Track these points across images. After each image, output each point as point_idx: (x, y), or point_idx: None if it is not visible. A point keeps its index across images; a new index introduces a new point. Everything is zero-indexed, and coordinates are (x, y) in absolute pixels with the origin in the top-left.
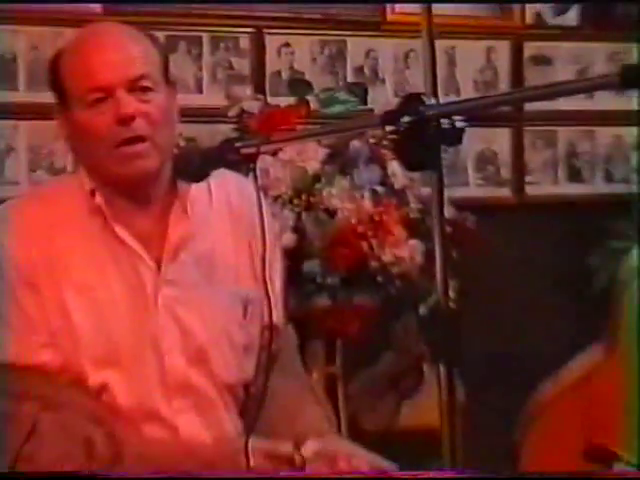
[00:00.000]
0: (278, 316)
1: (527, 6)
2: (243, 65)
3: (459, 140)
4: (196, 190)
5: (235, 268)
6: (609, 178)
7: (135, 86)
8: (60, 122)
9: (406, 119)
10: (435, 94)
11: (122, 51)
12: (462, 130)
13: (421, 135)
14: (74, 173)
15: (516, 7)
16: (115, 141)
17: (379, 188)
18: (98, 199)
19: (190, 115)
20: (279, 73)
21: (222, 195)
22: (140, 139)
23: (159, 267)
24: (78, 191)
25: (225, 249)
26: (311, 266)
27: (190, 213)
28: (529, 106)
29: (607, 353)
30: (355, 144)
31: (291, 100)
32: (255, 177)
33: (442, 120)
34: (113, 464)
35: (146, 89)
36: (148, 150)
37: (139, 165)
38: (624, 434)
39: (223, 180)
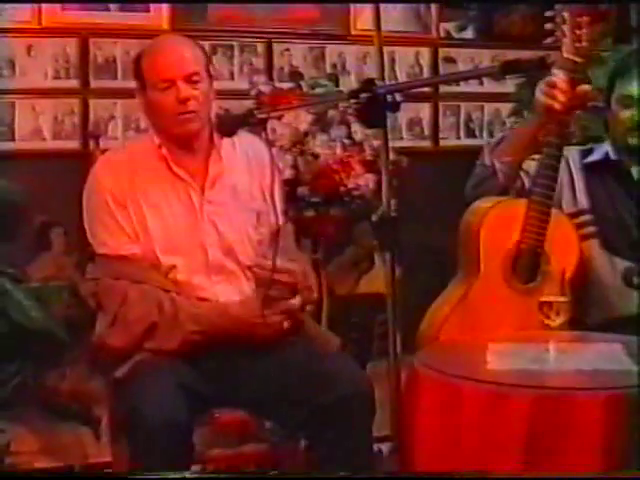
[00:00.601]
0: (280, 220)
1: (440, 24)
2: (259, 62)
3: (398, 109)
4: (226, 143)
5: (250, 193)
6: (491, 135)
7: (189, 79)
8: (140, 100)
9: (364, 95)
10: (382, 79)
11: (180, 55)
12: (399, 103)
13: (373, 106)
14: (147, 133)
15: (433, 26)
16: (175, 113)
17: (346, 140)
18: (164, 150)
19: (226, 94)
20: (282, 68)
21: (243, 148)
22: (190, 112)
23: (203, 192)
24: (150, 144)
25: (244, 181)
26: (303, 190)
27: (223, 158)
28: (442, 88)
29: (472, 277)
30: (331, 112)
31: (290, 85)
32: (266, 133)
33: (387, 96)
34: (174, 318)
35: (196, 81)
36: (195, 118)
37: (189, 127)
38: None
39: (244, 138)
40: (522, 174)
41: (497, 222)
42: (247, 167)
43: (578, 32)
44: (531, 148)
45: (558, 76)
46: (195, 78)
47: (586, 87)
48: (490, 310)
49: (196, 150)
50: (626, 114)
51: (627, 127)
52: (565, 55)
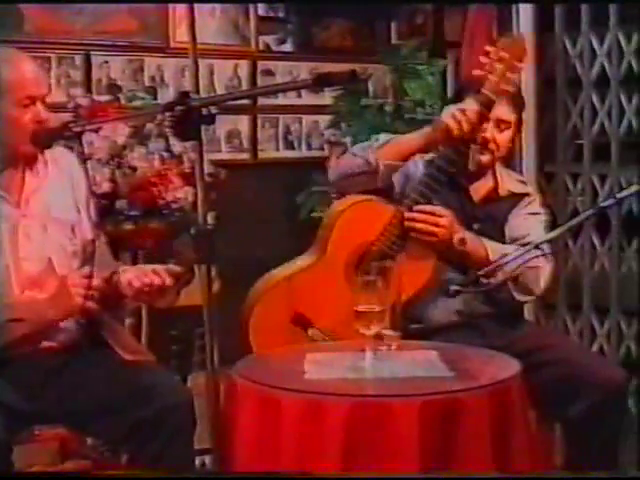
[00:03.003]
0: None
1: (259, 37)
2: (77, 75)
3: (213, 121)
4: (42, 160)
5: (64, 206)
6: (310, 147)
7: (44, 100)
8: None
9: (178, 108)
10: (198, 92)
11: (39, 74)
12: (214, 115)
13: (188, 118)
14: None
15: (252, 39)
16: (30, 132)
17: (164, 153)
18: None
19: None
20: (100, 80)
21: (56, 164)
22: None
23: (19, 206)
24: None
25: (57, 195)
26: (121, 204)
27: (38, 174)
28: (260, 101)
29: (317, 257)
30: (149, 125)
31: (108, 97)
32: (82, 146)
33: (202, 109)
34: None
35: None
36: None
37: (34, 146)
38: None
39: (58, 154)
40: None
41: (358, 216)
42: (60, 180)
43: (509, 75)
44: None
45: (472, 106)
46: (47, 100)
47: (492, 133)
48: (317, 293)
49: (14, 165)
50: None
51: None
52: (484, 90)
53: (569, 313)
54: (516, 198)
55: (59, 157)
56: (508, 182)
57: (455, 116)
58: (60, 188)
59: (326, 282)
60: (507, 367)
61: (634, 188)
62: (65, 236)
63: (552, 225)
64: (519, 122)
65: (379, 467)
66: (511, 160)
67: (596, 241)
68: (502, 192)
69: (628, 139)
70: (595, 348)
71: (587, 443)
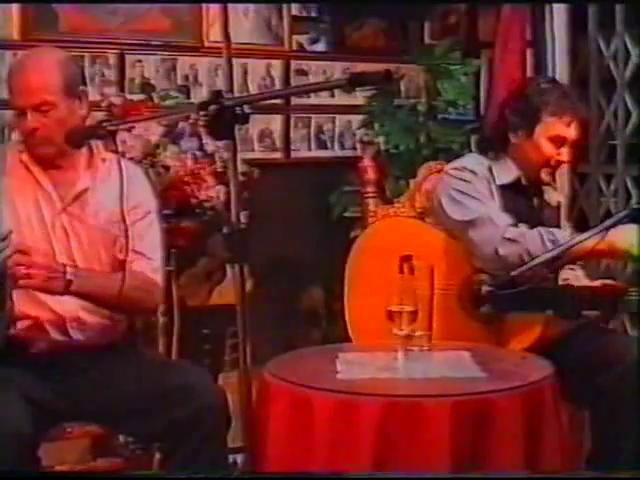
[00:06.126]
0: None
1: (293, 37)
2: (111, 74)
3: (246, 121)
4: (108, 164)
5: (110, 214)
6: (342, 147)
7: (37, 108)
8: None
9: (212, 107)
10: (231, 91)
11: (28, 83)
12: (248, 114)
13: (221, 118)
14: (14, 142)
15: (286, 38)
16: (29, 139)
17: (197, 152)
18: (24, 157)
19: None
20: (134, 79)
21: (105, 168)
22: (41, 140)
23: (62, 201)
24: (15, 152)
25: (110, 203)
26: None
27: (96, 177)
28: (293, 100)
29: None
30: (182, 124)
31: (142, 96)
32: (115, 145)
33: (236, 108)
34: None
35: (45, 110)
36: (45, 144)
37: (41, 151)
38: None
39: (130, 166)
40: None
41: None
42: (105, 187)
43: None
44: None
45: None
46: (44, 108)
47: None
48: None
49: (61, 165)
50: (552, 152)
51: (546, 162)
52: None
53: None
54: (558, 207)
55: (130, 169)
56: (555, 192)
57: None
58: (117, 198)
59: None
60: (539, 368)
61: None
62: (103, 247)
63: (584, 227)
64: None
65: (411, 467)
66: None
67: None
68: (553, 202)
69: None
70: None
71: (616, 423)
